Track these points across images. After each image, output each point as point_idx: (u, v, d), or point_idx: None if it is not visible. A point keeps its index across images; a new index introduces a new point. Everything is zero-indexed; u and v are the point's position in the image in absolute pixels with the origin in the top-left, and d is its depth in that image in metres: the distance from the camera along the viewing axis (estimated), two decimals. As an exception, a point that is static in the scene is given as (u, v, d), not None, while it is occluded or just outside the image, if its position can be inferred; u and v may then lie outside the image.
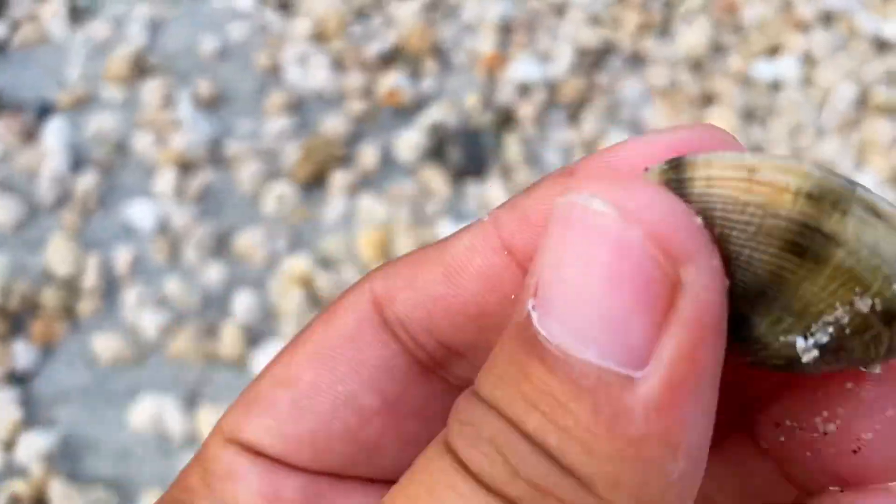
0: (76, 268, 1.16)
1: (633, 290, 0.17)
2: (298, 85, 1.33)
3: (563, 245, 0.18)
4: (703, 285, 0.17)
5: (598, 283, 0.17)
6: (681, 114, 1.36)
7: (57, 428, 1.06)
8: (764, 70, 1.43)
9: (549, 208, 0.20)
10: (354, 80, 1.33)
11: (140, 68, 1.34)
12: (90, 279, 1.16)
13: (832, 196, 0.19)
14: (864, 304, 0.20)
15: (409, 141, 1.29)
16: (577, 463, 0.17)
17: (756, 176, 0.19)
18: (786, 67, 1.44)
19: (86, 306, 1.15)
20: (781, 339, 0.20)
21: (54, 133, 1.27)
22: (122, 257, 1.18)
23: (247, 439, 0.25)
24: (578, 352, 0.17)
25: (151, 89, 1.32)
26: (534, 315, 0.18)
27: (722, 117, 1.34)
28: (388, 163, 1.27)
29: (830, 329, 0.20)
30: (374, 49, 1.36)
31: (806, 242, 0.19)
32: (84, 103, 1.31)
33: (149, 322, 1.13)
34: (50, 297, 1.14)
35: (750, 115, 1.38)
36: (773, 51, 1.46)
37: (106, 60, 1.35)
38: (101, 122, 1.29)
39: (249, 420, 0.25)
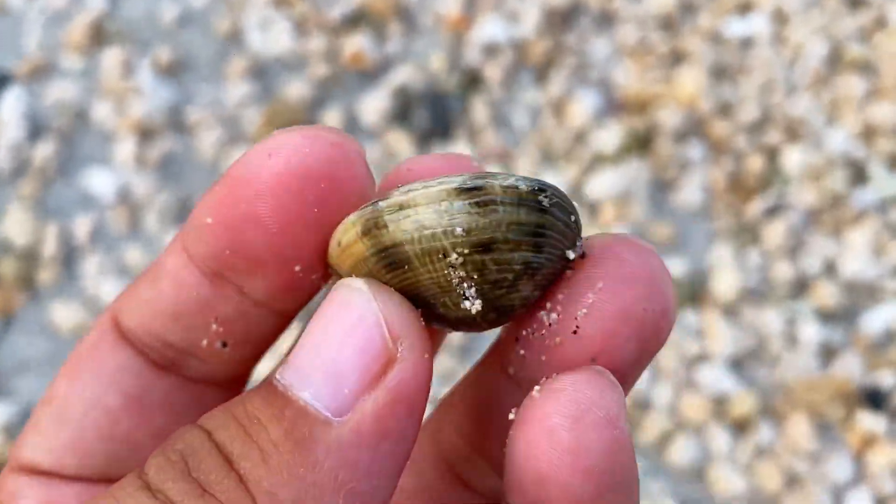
0: (35, 237, 1.14)
1: (357, 353, 0.20)
2: (260, 50, 1.30)
3: (321, 312, 0.21)
4: (410, 361, 0.21)
5: (333, 342, 0.21)
6: (651, 71, 1.34)
7: (16, 398, 1.05)
8: (735, 27, 1.41)
9: (209, 209, 0.24)
10: (317, 43, 1.30)
11: (99, 36, 1.32)
12: (49, 248, 1.14)
13: (371, 222, 0.25)
14: (456, 261, 0.24)
15: (374, 104, 1.27)
16: (248, 467, 0.19)
17: (342, 240, 0.25)
18: (757, 24, 1.42)
19: (45, 276, 1.13)
20: (456, 311, 0.25)
21: (12, 103, 1.25)
22: (81, 226, 1.16)
23: (24, 460, 0.27)
24: (298, 390, 0.20)
25: (111, 57, 1.30)
26: (278, 371, 0.21)
27: (692, 75, 1.32)
28: (352, 127, 1.25)
29: (465, 286, 0.24)
30: (337, 12, 1.34)
31: (392, 259, 0.24)
32: (42, 72, 1.29)
33: (109, 291, 1.11)
34: (8, 268, 1.12)
35: (720, 73, 1.36)
36: (745, 8, 1.44)
37: (65, 29, 1.32)
38: (60, 91, 1.27)
39: (24, 441, 0.27)
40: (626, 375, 0.25)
